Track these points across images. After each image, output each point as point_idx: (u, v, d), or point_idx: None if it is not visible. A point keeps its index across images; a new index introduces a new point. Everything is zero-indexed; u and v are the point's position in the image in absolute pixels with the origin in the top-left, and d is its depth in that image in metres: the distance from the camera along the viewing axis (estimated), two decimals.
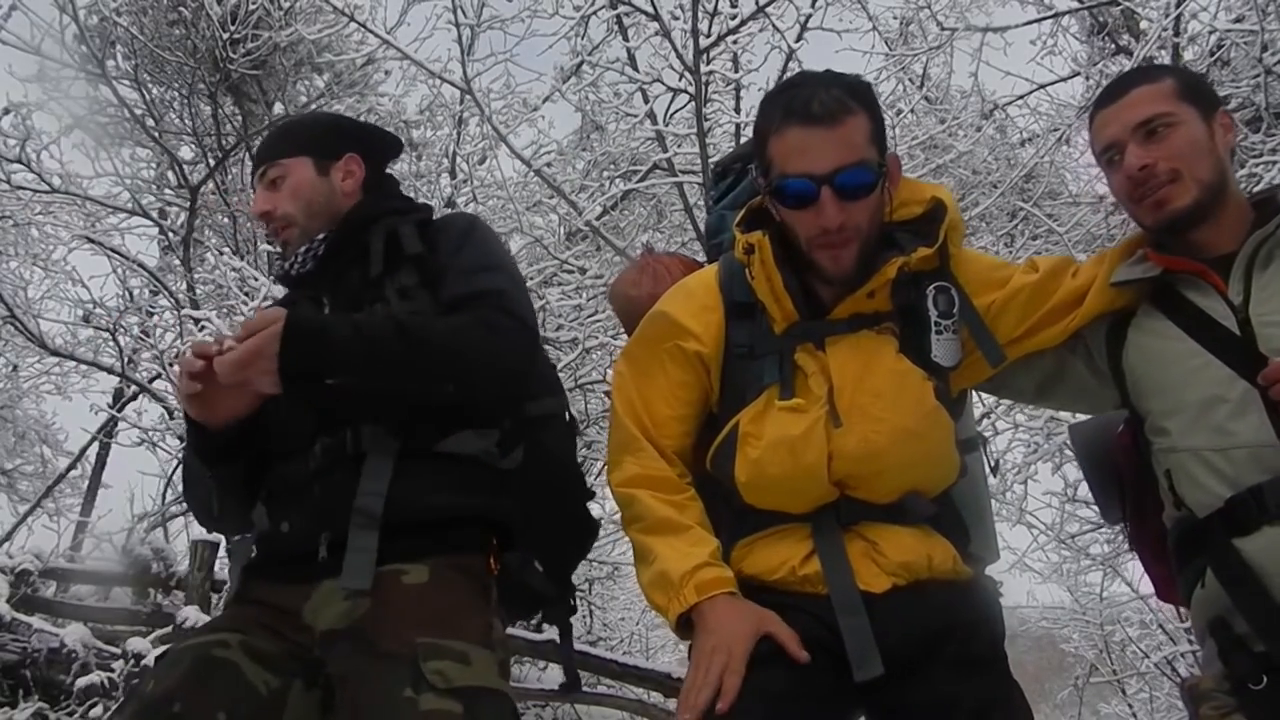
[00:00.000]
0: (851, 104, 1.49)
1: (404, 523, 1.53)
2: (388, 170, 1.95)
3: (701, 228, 6.00)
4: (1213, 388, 1.49)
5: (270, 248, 7.42)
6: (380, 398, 1.57)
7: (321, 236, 1.77)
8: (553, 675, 7.28)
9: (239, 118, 7.92)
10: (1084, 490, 6.05)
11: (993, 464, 1.87)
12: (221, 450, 1.64)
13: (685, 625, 1.45)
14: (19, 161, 6.80)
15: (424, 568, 1.52)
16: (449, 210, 6.02)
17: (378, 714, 1.41)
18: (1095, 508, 6.28)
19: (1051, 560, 7.38)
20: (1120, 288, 1.60)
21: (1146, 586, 6.70)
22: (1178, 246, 1.57)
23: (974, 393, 1.83)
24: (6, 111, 7.04)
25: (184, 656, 1.53)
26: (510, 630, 7.62)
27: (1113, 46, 6.89)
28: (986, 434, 6.17)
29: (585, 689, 6.72)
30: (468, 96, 6.06)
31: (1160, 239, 1.60)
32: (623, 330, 2.08)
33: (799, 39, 6.21)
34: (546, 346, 6.85)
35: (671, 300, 1.66)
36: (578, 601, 1.90)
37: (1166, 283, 1.58)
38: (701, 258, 2.08)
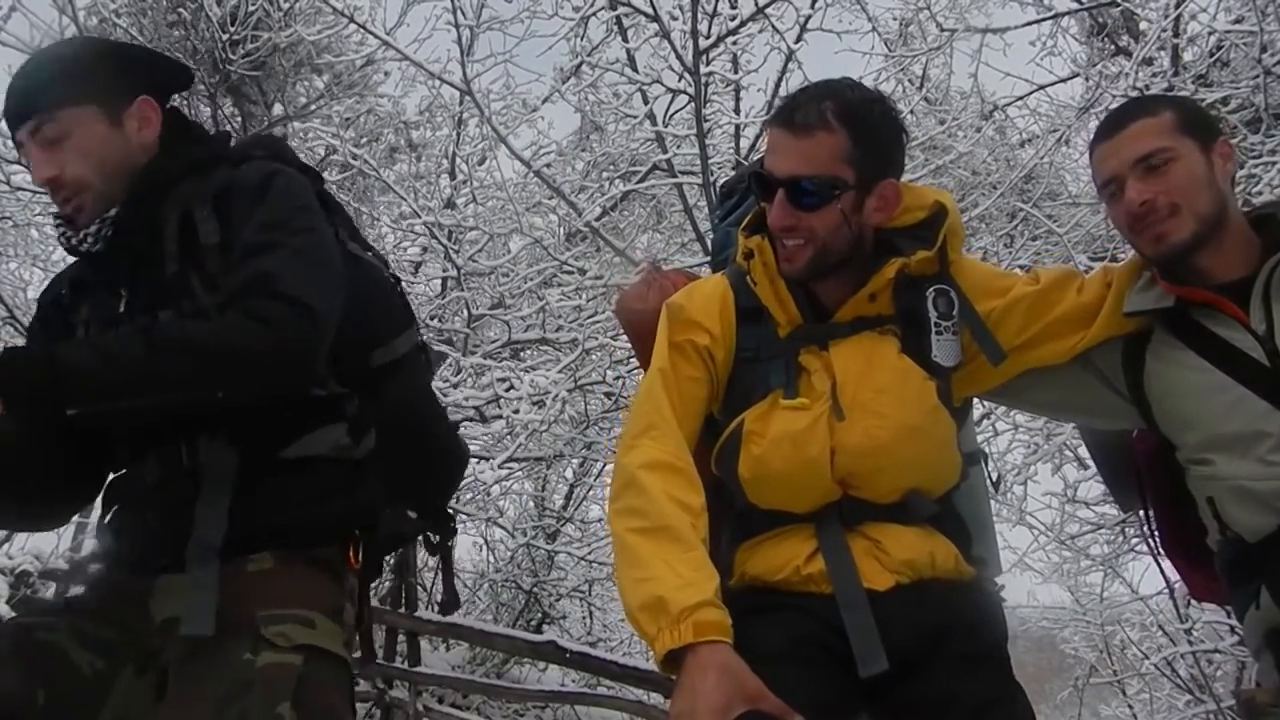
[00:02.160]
0: (832, 121, 1.51)
1: (249, 535, 1.44)
2: (173, 104, 1.69)
3: (701, 228, 6.00)
4: (1253, 422, 1.50)
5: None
6: (140, 415, 1.44)
7: (113, 212, 1.54)
8: (552, 676, 7.29)
9: (238, 119, 7.92)
10: (1084, 491, 6.06)
11: (994, 479, 1.87)
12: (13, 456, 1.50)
13: (669, 659, 1.33)
14: (19, 163, 6.80)
15: (268, 555, 1.46)
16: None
17: (214, 679, 1.36)
18: (1095, 509, 6.29)
19: (1052, 561, 7.39)
20: (1132, 317, 1.62)
21: (1147, 587, 6.72)
22: (1183, 271, 1.59)
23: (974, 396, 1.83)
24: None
25: (4, 636, 1.47)
26: (510, 631, 7.56)
27: (1112, 47, 6.88)
28: (987, 435, 6.21)
29: (585, 690, 6.73)
30: (467, 97, 6.06)
31: (1164, 267, 1.61)
32: (623, 331, 2.08)
33: (798, 40, 6.22)
34: (546, 347, 6.86)
35: (686, 295, 1.66)
36: (456, 524, 1.84)
37: (1180, 310, 1.59)
38: (705, 270, 2.09)
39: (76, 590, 1.58)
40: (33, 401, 1.36)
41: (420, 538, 1.77)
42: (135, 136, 1.57)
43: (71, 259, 1.65)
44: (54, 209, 1.62)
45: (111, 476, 1.60)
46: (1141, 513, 1.79)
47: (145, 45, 1.65)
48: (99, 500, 1.62)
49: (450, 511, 1.77)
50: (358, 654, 1.58)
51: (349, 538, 1.55)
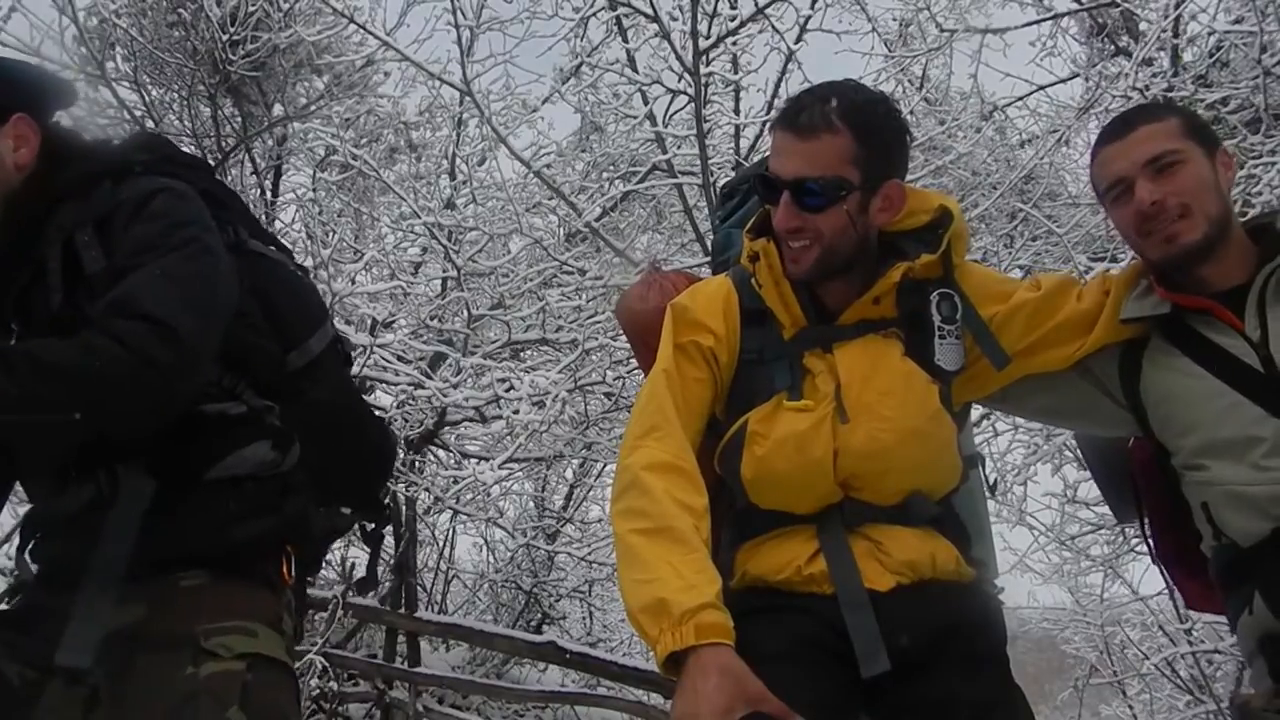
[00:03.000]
0: (837, 123, 1.52)
1: (176, 559, 1.41)
2: (55, 118, 1.59)
3: (701, 229, 6.00)
4: (1247, 427, 1.51)
5: None
6: (133, 441, 1.39)
7: None
8: (552, 676, 7.29)
9: (238, 119, 7.91)
10: (1084, 492, 6.06)
11: (991, 483, 1.88)
12: None
13: (671, 661, 1.33)
14: None
15: (203, 572, 1.43)
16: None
17: (156, 695, 1.33)
18: (1095, 510, 6.30)
19: (1052, 561, 7.39)
20: (1129, 323, 1.62)
21: (1147, 588, 6.72)
22: (1182, 280, 1.59)
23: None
24: None
25: None
26: (510, 632, 7.55)
27: (1112, 48, 6.88)
28: (986, 435, 6.21)
29: (585, 690, 6.73)
30: (467, 98, 6.06)
31: (1164, 272, 1.60)
32: (623, 332, 2.08)
33: (798, 40, 6.22)
34: (546, 347, 6.85)
35: (690, 296, 1.67)
36: (387, 510, 1.83)
37: (1176, 316, 1.60)
38: (705, 271, 2.09)
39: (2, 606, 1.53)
40: None
41: (359, 527, 1.76)
42: (10, 158, 1.48)
43: None
44: None
45: (29, 509, 1.55)
46: (1138, 523, 1.80)
47: (16, 60, 1.55)
48: (16, 532, 1.58)
49: (381, 500, 1.76)
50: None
51: (280, 552, 1.53)
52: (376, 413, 1.68)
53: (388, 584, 7.31)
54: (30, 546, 1.53)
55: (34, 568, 1.52)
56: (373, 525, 1.75)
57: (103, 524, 1.38)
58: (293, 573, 1.54)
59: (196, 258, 1.45)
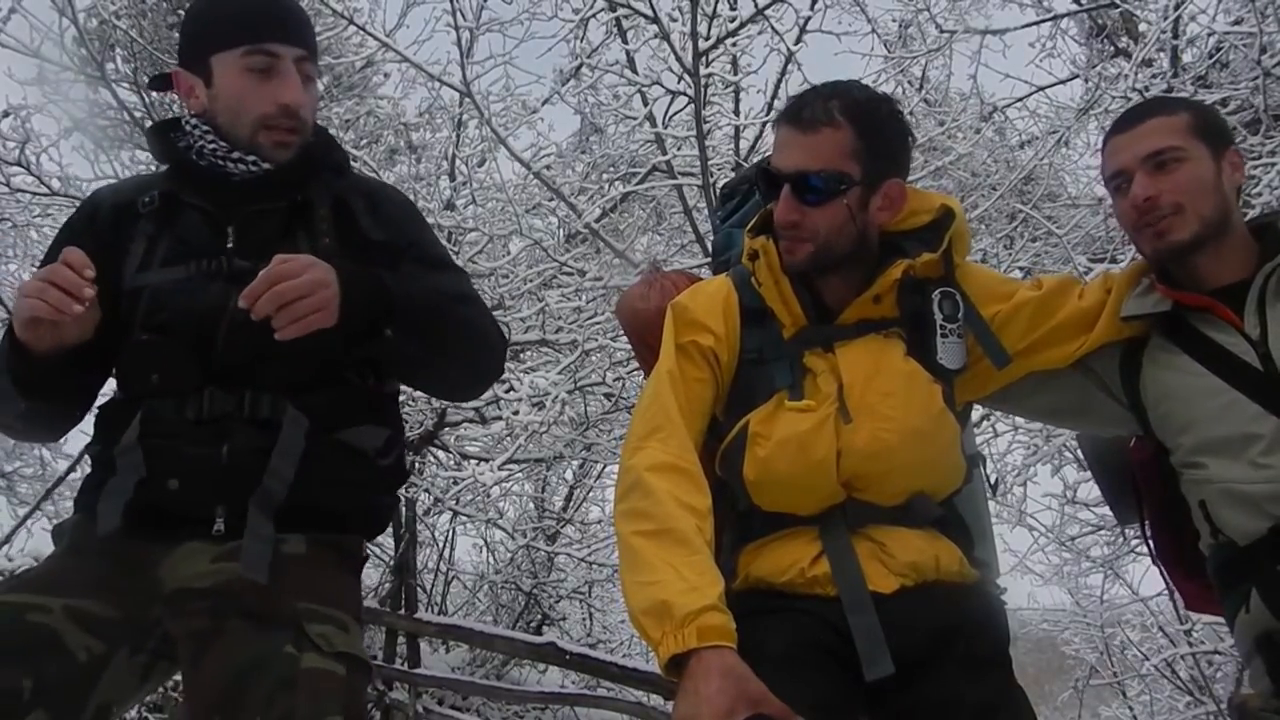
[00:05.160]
0: (839, 118, 1.52)
1: (294, 506, 1.46)
2: None
3: (700, 229, 6.00)
4: (1244, 425, 1.51)
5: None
6: (417, 367, 1.57)
7: (267, 165, 1.59)
8: (552, 677, 7.28)
9: None
10: (1084, 492, 6.06)
11: (992, 483, 1.88)
12: (41, 380, 1.47)
13: (673, 663, 1.33)
14: (18, 164, 6.79)
15: (301, 539, 1.47)
16: (445, 210, 6.02)
17: (254, 667, 1.33)
18: (1095, 510, 6.30)
19: (1052, 563, 7.38)
20: (1129, 321, 1.62)
21: (1147, 589, 6.73)
22: (1181, 275, 1.60)
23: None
24: (6, 114, 7.03)
25: None
26: (510, 633, 7.57)
27: (1112, 49, 6.88)
28: (986, 436, 6.20)
29: (585, 691, 6.72)
30: (467, 99, 6.05)
31: (1163, 266, 1.61)
32: (623, 332, 2.08)
33: (798, 41, 6.22)
34: (546, 348, 6.85)
35: (690, 296, 1.67)
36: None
37: (1177, 315, 1.60)
38: (705, 271, 2.09)
39: (66, 556, 1.51)
40: (370, 320, 1.44)
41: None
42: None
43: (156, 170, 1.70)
44: (208, 122, 1.61)
45: (142, 408, 1.52)
46: (1139, 525, 1.80)
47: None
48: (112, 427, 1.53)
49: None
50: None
51: (364, 530, 1.59)
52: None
53: (388, 585, 7.31)
54: (153, 458, 1.47)
55: (135, 481, 1.47)
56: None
57: (263, 443, 1.44)
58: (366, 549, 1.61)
59: None
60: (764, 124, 6.22)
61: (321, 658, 1.36)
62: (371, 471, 1.57)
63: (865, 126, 1.53)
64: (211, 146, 1.59)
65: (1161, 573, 1.82)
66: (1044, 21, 6.98)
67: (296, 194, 1.60)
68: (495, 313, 6.37)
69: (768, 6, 5.79)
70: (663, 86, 6.11)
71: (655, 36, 5.84)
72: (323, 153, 1.66)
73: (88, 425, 1.68)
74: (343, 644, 1.40)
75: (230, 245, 1.55)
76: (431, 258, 1.63)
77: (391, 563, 7.16)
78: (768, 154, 1.63)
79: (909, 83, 7.27)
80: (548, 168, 7.36)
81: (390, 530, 7.49)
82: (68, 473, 8.74)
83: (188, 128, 1.62)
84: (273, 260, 1.37)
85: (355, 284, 1.42)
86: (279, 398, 1.49)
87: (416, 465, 6.54)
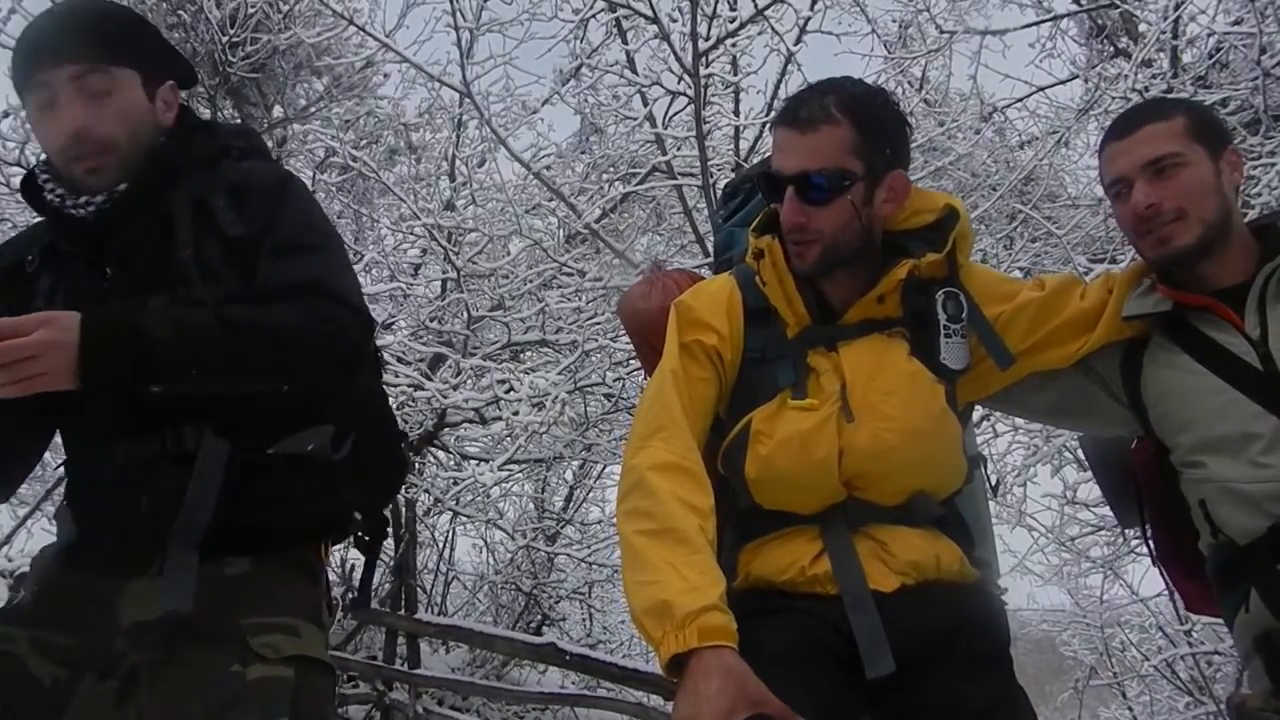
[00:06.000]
0: (837, 114, 1.52)
1: (232, 530, 1.41)
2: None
3: (701, 230, 6.00)
4: (1244, 424, 1.51)
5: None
6: (206, 401, 1.41)
7: (122, 187, 1.49)
8: (552, 678, 7.28)
9: (238, 121, 7.92)
10: (1083, 493, 6.05)
11: (993, 484, 1.89)
12: None
13: (674, 663, 1.32)
14: (18, 164, 6.79)
15: (246, 559, 1.44)
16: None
17: (199, 691, 1.33)
18: (1095, 511, 6.30)
19: (1052, 563, 7.38)
20: (1131, 321, 1.62)
21: (1146, 589, 6.73)
22: (1183, 277, 1.60)
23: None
24: (6, 114, 7.02)
25: None
26: (510, 633, 7.55)
27: (1111, 49, 6.88)
28: (986, 436, 6.20)
29: (585, 692, 6.72)
30: (467, 99, 6.06)
31: (1166, 270, 1.62)
32: (623, 333, 2.08)
33: (798, 42, 6.23)
34: (546, 349, 6.85)
35: (694, 295, 1.67)
36: (389, 520, 1.84)
37: (1178, 315, 1.60)
38: (706, 271, 2.09)
39: (29, 595, 1.50)
40: (117, 376, 1.33)
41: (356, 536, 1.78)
42: (160, 116, 1.56)
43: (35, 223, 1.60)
44: (48, 167, 1.54)
45: (72, 459, 1.54)
46: (1139, 527, 1.80)
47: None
48: (63, 486, 1.55)
49: (386, 517, 1.78)
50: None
51: (323, 540, 1.55)
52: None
53: (388, 586, 7.31)
54: (76, 506, 1.49)
55: (75, 530, 1.48)
56: (369, 537, 1.74)
57: (181, 480, 1.39)
58: (327, 557, 1.56)
59: (344, 249, 1.58)
60: (764, 124, 6.21)
61: (268, 666, 1.37)
62: (320, 474, 1.51)
63: (863, 121, 1.53)
64: (53, 195, 1.53)
65: (1162, 574, 1.83)
66: (1044, 22, 6.98)
67: (154, 210, 1.51)
68: (495, 313, 6.41)
69: (768, 7, 5.79)
70: (663, 87, 6.11)
71: (655, 37, 5.84)
72: (175, 153, 1.54)
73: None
74: (292, 648, 1.40)
75: (107, 285, 1.49)
76: (281, 245, 1.48)
77: (391, 563, 7.16)
78: (768, 154, 1.63)
79: (909, 83, 7.28)
80: (548, 168, 7.36)
81: (390, 531, 7.49)
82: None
83: (41, 178, 1.55)
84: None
85: (103, 339, 1.32)
86: (200, 428, 1.43)
87: (416, 466, 6.54)
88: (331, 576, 6.98)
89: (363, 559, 1.79)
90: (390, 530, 1.78)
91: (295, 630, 1.42)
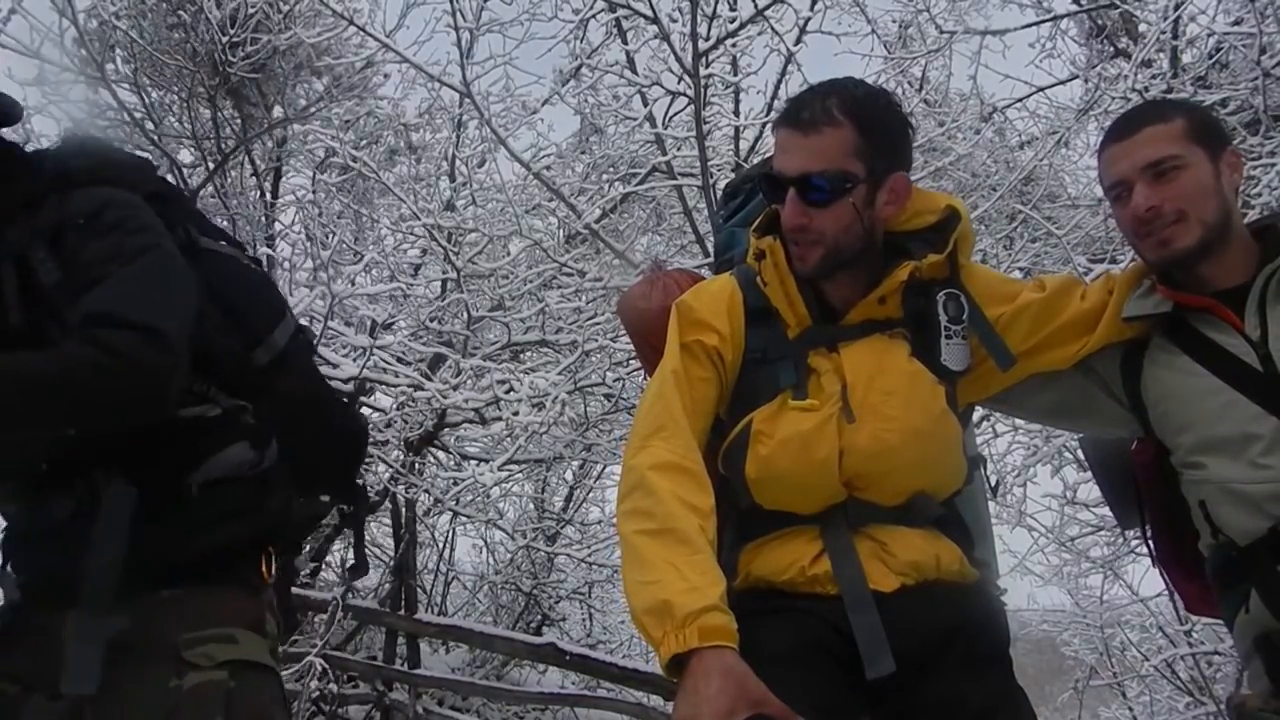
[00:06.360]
0: (839, 116, 1.52)
1: (158, 565, 1.41)
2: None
3: (701, 230, 6.00)
4: (1244, 425, 1.52)
5: (270, 250, 7.41)
6: (107, 445, 1.40)
7: None
8: (552, 678, 7.28)
9: (238, 121, 7.92)
10: (1084, 493, 6.05)
11: (992, 485, 1.89)
12: None
13: (674, 663, 1.32)
14: None
15: (182, 585, 1.44)
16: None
17: (139, 709, 1.35)
18: (1095, 511, 6.30)
19: (1052, 563, 7.38)
20: (1131, 322, 1.62)
21: (1147, 589, 6.73)
22: (1183, 278, 1.60)
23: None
24: None
25: None
26: (510, 633, 7.53)
27: (1111, 49, 6.88)
28: (986, 437, 6.20)
29: (585, 692, 6.72)
30: (467, 100, 6.06)
31: (1166, 272, 1.62)
32: (623, 333, 2.08)
33: (798, 42, 6.23)
34: (546, 349, 6.86)
35: (695, 295, 1.67)
36: (366, 494, 1.82)
37: (1178, 316, 1.60)
38: (706, 271, 2.09)
39: None
40: None
41: (339, 512, 1.78)
42: None
43: None
44: None
45: (13, 515, 1.55)
46: (1140, 528, 1.80)
47: None
48: None
49: (358, 483, 1.77)
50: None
51: (260, 552, 1.54)
52: (344, 398, 1.68)
53: (388, 586, 7.31)
54: (11, 562, 1.52)
55: (16, 583, 1.51)
56: (352, 508, 1.76)
57: (89, 534, 1.37)
58: (273, 572, 1.54)
59: (160, 264, 1.46)
60: (764, 124, 6.21)
61: (203, 673, 1.38)
62: (244, 491, 1.50)
63: (865, 123, 1.53)
64: None
65: (1162, 575, 1.83)
66: (1044, 22, 6.98)
67: None
68: (495, 313, 6.41)
69: (767, 7, 5.79)
70: (663, 87, 6.11)
71: (655, 37, 5.85)
72: None
73: None
74: (227, 654, 1.41)
75: None
76: (83, 281, 1.40)
77: (391, 563, 7.16)
78: (768, 154, 1.63)
79: (909, 83, 7.27)
80: (547, 168, 7.36)
81: (390, 531, 7.49)
82: None
83: None
84: None
85: None
86: (109, 475, 1.42)
87: (417, 466, 6.54)
88: (331, 576, 6.97)
89: (353, 532, 1.81)
90: (368, 503, 1.75)
91: (232, 638, 1.43)
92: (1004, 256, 5.98)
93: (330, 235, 6.71)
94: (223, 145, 7.80)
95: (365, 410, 6.74)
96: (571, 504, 8.72)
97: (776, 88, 6.57)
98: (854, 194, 1.53)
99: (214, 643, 1.41)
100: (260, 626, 1.49)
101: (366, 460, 6.64)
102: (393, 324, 6.79)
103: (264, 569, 1.53)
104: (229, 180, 8.11)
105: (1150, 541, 1.80)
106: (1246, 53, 5.24)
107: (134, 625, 1.39)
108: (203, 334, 1.48)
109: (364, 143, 7.77)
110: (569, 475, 8.64)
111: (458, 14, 5.95)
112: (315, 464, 1.65)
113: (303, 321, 1.88)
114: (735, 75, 6.33)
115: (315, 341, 1.82)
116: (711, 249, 2.17)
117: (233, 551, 1.49)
